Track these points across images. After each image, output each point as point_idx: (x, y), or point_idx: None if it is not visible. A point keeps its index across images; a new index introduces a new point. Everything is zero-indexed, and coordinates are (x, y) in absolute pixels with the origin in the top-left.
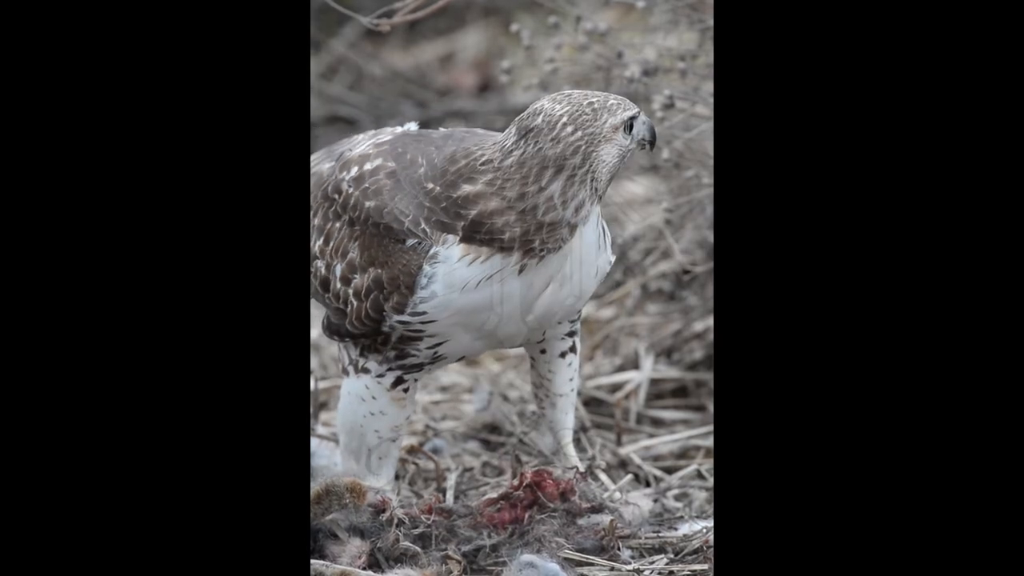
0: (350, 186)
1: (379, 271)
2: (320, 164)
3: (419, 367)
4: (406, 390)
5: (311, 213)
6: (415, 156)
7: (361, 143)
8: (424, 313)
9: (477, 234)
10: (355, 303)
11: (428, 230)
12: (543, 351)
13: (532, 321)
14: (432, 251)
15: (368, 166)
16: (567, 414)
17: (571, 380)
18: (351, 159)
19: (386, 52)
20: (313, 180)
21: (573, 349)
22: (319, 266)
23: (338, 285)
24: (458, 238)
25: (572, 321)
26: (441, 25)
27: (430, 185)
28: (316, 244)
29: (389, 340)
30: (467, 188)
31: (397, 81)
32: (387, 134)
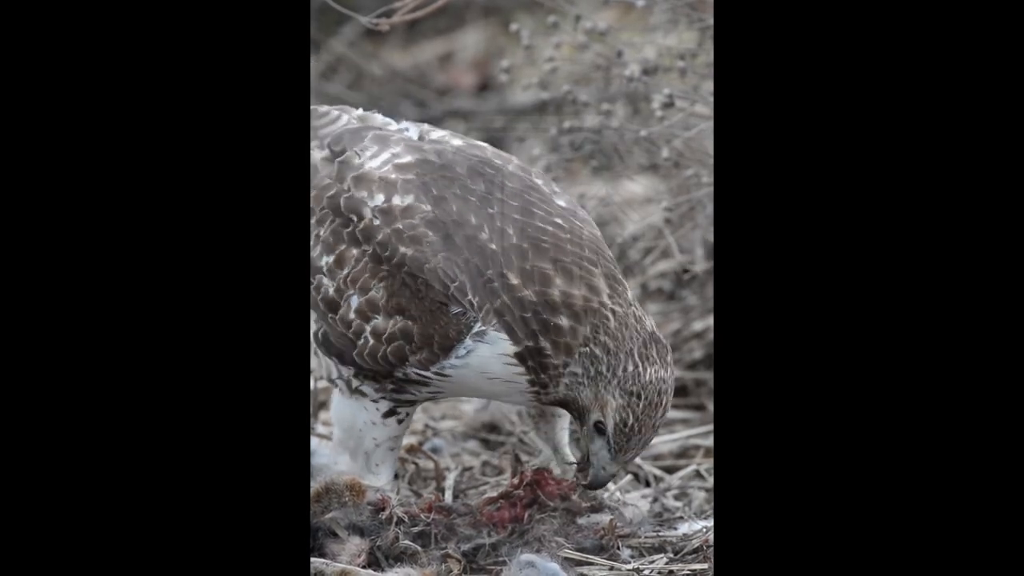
0: (377, 218)
1: (409, 323)
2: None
3: (413, 403)
4: (400, 421)
5: (315, 219)
6: (463, 211)
7: (371, 151)
8: (449, 376)
9: (532, 357)
10: (372, 341)
11: (476, 303)
12: None
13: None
14: (479, 328)
15: (398, 200)
16: (562, 426)
17: None
18: (370, 177)
19: (386, 52)
20: None
21: None
22: (325, 284)
23: (352, 316)
24: (511, 344)
25: None
26: (441, 25)
27: (515, 281)
28: (323, 260)
29: (392, 377)
30: (566, 323)
31: (397, 81)
32: (402, 149)
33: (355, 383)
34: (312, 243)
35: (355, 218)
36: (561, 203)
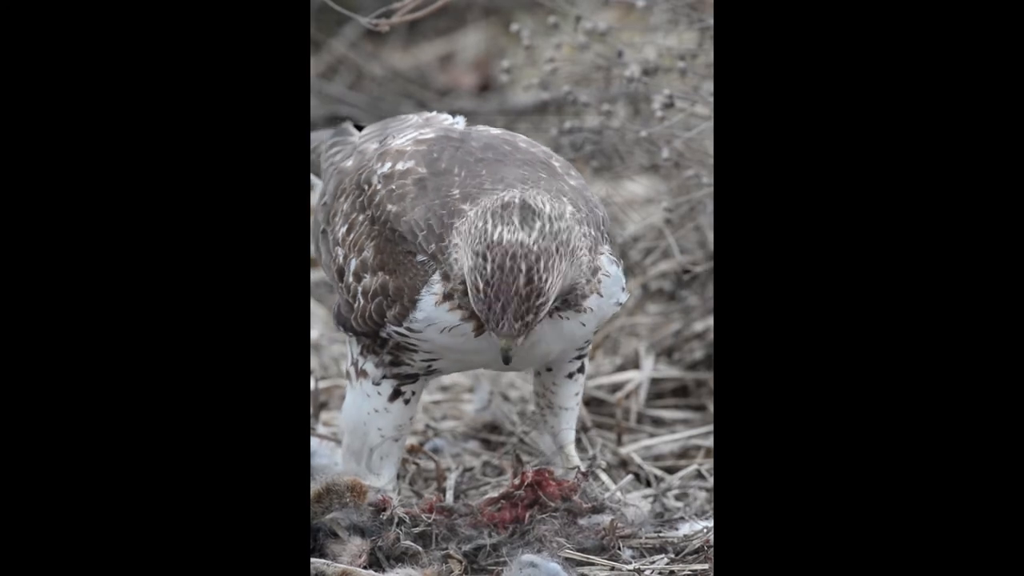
0: (379, 182)
1: (387, 278)
2: (368, 142)
3: (413, 378)
4: (407, 401)
5: (344, 196)
6: (451, 166)
7: (406, 132)
8: (420, 333)
9: (437, 257)
10: (362, 301)
11: (437, 253)
12: (549, 369)
13: (519, 365)
14: (432, 276)
15: (400, 166)
16: (569, 425)
17: (576, 395)
18: (389, 151)
19: (386, 52)
20: (355, 160)
21: (581, 369)
22: (339, 253)
23: (350, 279)
24: (440, 276)
25: (579, 348)
26: (441, 25)
27: (456, 193)
28: (340, 230)
29: (386, 344)
30: (456, 240)
31: (397, 81)
32: (433, 128)
33: (360, 362)
34: (337, 218)
35: (367, 187)
36: (571, 182)
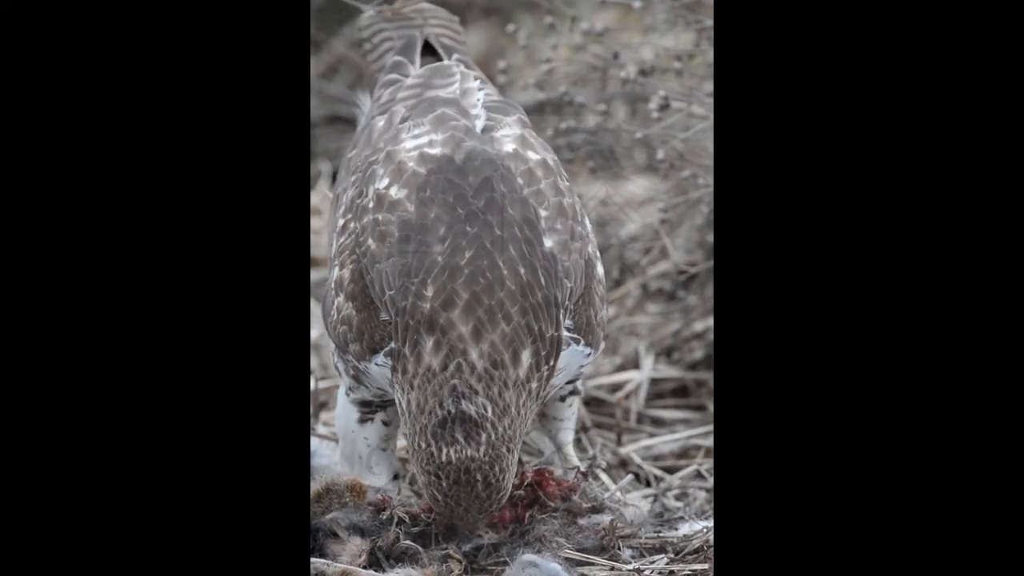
0: (372, 200)
1: (354, 313)
2: (405, 100)
3: (370, 405)
4: (386, 423)
5: (353, 176)
6: (439, 215)
7: (420, 130)
8: (374, 375)
9: (396, 359)
10: (335, 316)
11: (394, 316)
12: None
13: None
14: (392, 346)
15: (394, 192)
16: (566, 428)
17: (570, 407)
18: (394, 157)
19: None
20: (384, 123)
21: (575, 392)
22: (333, 247)
23: (332, 284)
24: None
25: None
26: None
27: (429, 292)
28: (339, 220)
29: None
30: (427, 345)
31: None
32: (444, 136)
33: (335, 356)
34: (343, 198)
35: (365, 191)
36: (548, 243)
